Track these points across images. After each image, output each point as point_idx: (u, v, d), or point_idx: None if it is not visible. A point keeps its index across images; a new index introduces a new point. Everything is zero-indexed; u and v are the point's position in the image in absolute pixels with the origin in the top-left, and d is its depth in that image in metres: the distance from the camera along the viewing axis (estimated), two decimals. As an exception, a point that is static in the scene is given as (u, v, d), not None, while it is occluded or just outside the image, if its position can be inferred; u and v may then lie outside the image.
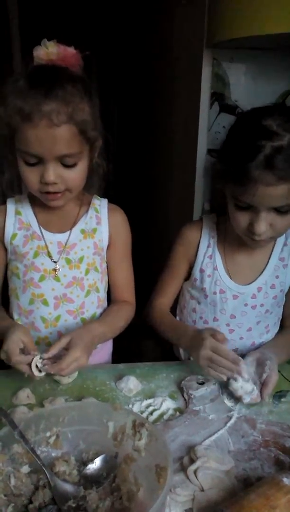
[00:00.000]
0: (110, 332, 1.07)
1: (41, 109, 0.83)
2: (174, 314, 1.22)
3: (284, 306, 1.15)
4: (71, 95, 0.86)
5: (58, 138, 0.85)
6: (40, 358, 0.86)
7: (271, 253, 1.07)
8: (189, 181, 1.86)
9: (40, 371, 0.85)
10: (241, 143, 0.88)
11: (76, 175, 0.93)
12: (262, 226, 0.89)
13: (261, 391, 0.90)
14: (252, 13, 1.28)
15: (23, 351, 0.86)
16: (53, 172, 0.88)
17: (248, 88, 1.56)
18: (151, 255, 2.28)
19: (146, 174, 2.93)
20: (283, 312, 1.16)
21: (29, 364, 0.86)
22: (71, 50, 0.92)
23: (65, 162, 0.89)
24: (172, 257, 1.15)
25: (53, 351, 0.87)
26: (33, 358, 0.85)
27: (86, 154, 0.93)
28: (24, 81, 0.86)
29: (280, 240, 1.07)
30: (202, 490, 0.67)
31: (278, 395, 0.93)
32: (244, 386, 0.89)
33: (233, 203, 0.92)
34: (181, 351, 1.20)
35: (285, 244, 1.08)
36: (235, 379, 0.89)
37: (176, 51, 2.10)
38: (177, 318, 1.21)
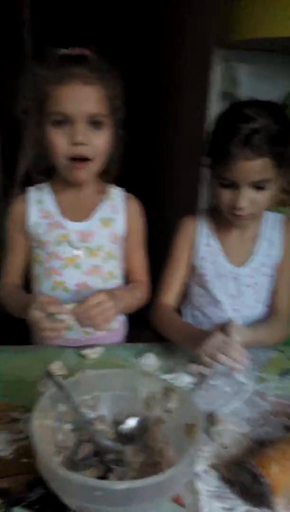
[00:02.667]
0: (129, 296, 1.09)
1: (72, 72, 0.93)
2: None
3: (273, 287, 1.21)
4: (100, 64, 0.97)
5: (88, 97, 0.95)
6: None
7: (260, 234, 1.18)
8: (195, 181, 1.88)
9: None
10: (224, 128, 1.04)
11: (102, 140, 1.00)
12: (244, 201, 1.02)
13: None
14: (272, 14, 1.30)
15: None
16: (82, 131, 0.95)
17: (258, 89, 1.59)
18: (157, 251, 2.33)
19: (153, 173, 2.94)
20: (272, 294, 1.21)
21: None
22: (86, 51, 1.00)
23: (94, 123, 0.97)
24: (173, 251, 1.23)
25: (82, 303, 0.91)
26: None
27: (110, 123, 1.01)
28: (52, 59, 0.96)
29: (267, 225, 1.18)
30: (224, 447, 0.75)
31: (284, 372, 1.03)
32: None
33: (218, 182, 1.05)
34: None
35: (271, 228, 1.18)
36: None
37: (185, 51, 2.14)
38: (183, 308, 1.28)
